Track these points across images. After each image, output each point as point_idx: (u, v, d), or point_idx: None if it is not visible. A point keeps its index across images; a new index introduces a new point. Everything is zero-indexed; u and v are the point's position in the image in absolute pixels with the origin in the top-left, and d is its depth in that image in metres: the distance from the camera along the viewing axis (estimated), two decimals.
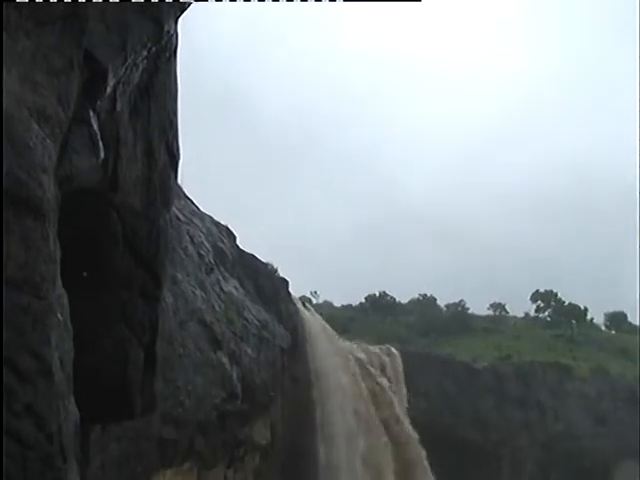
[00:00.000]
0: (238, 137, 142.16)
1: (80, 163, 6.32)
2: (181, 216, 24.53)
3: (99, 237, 8.29)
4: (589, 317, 73.67)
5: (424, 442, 32.82)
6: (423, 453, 32.55)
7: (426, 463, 32.54)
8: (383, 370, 33.89)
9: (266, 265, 30.81)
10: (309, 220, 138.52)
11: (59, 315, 5.00)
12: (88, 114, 6.74)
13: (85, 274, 8.13)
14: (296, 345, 30.10)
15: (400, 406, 33.29)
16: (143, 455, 22.22)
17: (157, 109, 9.49)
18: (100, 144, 6.75)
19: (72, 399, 5.26)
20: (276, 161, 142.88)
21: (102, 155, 6.87)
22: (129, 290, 9.11)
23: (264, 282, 29.59)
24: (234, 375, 25.17)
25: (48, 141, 5.20)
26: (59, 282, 5.15)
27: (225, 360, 25.08)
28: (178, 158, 10.82)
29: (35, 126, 5.30)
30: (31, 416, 4.02)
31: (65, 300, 5.46)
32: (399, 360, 35.65)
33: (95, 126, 6.66)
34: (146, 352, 10.03)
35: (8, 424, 3.81)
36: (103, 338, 8.67)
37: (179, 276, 23.19)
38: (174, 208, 22.79)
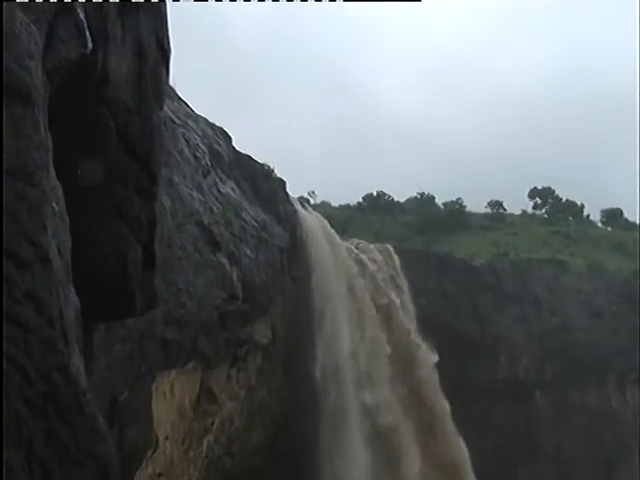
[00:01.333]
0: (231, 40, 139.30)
1: (67, 53, 6.17)
2: (175, 119, 24.24)
3: (91, 133, 8.19)
4: (586, 214, 74.21)
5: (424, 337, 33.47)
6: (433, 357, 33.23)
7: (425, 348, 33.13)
8: (382, 267, 34.16)
9: (263, 166, 30.61)
10: (298, 126, 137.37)
11: (54, 205, 4.96)
12: (73, 3, 6.55)
13: (79, 172, 8.05)
14: (295, 245, 30.24)
15: (400, 302, 33.70)
16: (147, 356, 22.59)
17: (146, 3, 9.27)
18: (87, 34, 6.58)
19: (72, 289, 5.28)
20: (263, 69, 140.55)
21: (90, 45, 6.70)
22: (124, 186, 9.07)
23: (261, 183, 29.50)
24: (234, 276, 25.38)
25: (33, 27, 5.05)
26: (53, 172, 5.10)
27: (225, 261, 25.24)
28: (169, 53, 10.63)
29: (19, 14, 5.14)
30: (31, 301, 4.03)
31: (60, 192, 5.42)
32: (397, 258, 35.91)
33: (81, 15, 6.48)
34: (144, 250, 10.04)
35: (8, 310, 3.82)
36: (100, 235, 8.67)
37: (175, 179, 23.08)
38: (168, 110, 22.53)
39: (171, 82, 21.73)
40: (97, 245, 8.92)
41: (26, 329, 3.90)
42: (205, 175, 25.31)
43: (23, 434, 3.68)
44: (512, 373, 44.58)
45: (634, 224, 66.54)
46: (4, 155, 4.23)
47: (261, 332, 27.72)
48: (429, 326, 34.35)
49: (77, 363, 4.33)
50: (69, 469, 3.93)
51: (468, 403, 35.27)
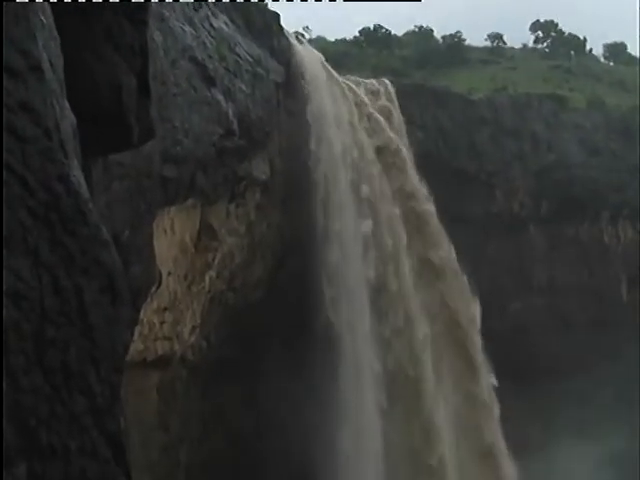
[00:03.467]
0: None
1: None
2: None
3: None
4: (588, 48, 72.42)
5: (421, 173, 33.53)
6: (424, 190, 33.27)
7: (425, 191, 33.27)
8: (378, 103, 33.76)
9: None
10: None
11: (42, 18, 4.79)
12: None
13: None
14: (291, 80, 29.73)
15: (397, 136, 33.51)
16: (146, 193, 22.77)
17: None
18: None
19: (66, 104, 5.21)
20: None
21: None
22: (114, 12, 8.76)
23: (255, 17, 28.59)
24: (230, 112, 25.13)
25: None
26: None
27: (220, 97, 24.92)
28: None
29: None
30: (26, 112, 3.97)
31: (47, 9, 5.23)
32: (394, 93, 35.38)
33: None
34: (138, 79, 9.81)
35: (4, 119, 3.77)
36: (92, 62, 8.45)
37: (166, 13, 22.37)
38: None
39: None
40: (90, 74, 8.73)
41: (23, 140, 3.86)
42: (197, 9, 24.52)
43: (29, 242, 3.72)
44: (508, 208, 45.02)
45: (637, 59, 65.11)
46: None
47: (259, 168, 27.77)
48: (426, 161, 34.37)
49: (77, 175, 4.32)
50: (76, 276, 4.01)
51: (463, 237, 35.77)
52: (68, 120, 4.98)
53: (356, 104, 32.04)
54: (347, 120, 30.99)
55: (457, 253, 33.17)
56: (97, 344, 4.11)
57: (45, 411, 3.86)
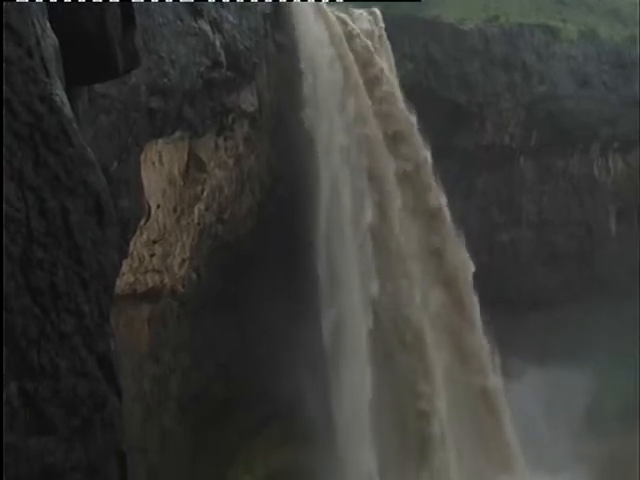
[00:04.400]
0: None
1: None
2: None
3: None
4: None
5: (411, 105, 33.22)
6: (413, 118, 32.87)
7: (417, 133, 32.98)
8: (367, 33, 33.21)
9: None
10: None
11: None
12: None
13: None
14: (279, 10, 29.23)
15: (387, 68, 33.08)
16: (133, 126, 22.59)
17: None
18: None
19: (48, 25, 5.12)
20: None
21: None
22: None
23: None
24: (217, 43, 24.79)
25: None
26: None
27: (207, 28, 24.56)
28: None
29: None
30: (8, 31, 3.89)
31: None
32: (382, 21, 34.79)
33: None
34: (122, 6, 9.63)
35: None
36: None
37: None
38: None
39: None
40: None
41: (7, 62, 3.80)
42: None
43: (14, 165, 3.70)
44: (498, 139, 44.79)
45: None
46: None
47: (247, 100, 27.49)
48: (416, 92, 34.06)
49: (60, 94, 4.26)
50: (62, 197, 4.00)
51: (453, 169, 35.78)
52: (50, 40, 4.90)
53: (345, 34, 31.53)
54: (336, 52, 30.56)
55: (446, 185, 33.11)
56: (85, 265, 4.12)
57: (35, 332, 3.90)
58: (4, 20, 3.88)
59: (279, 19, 29.29)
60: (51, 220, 3.95)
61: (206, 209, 27.51)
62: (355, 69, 31.06)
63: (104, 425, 4.82)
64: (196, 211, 27.17)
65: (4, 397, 3.62)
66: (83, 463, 4.49)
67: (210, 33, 24.68)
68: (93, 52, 9.09)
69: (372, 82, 31.78)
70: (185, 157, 26.24)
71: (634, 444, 36.32)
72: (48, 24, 5.04)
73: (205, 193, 27.26)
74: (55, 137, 3.93)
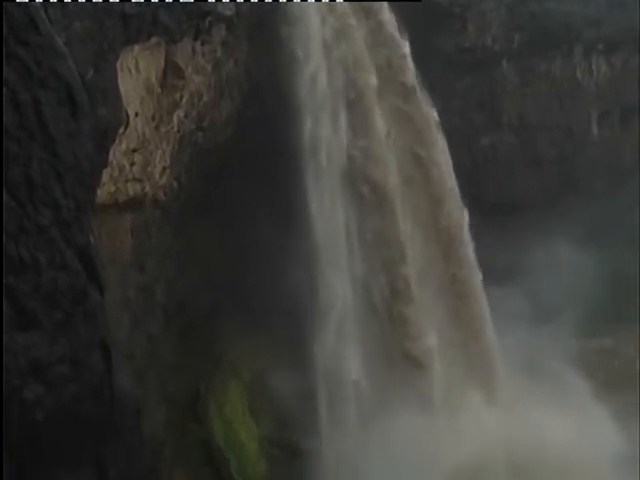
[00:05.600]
0: None
1: None
2: None
3: None
4: None
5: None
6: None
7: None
8: None
9: None
10: None
11: None
12: None
13: None
14: None
15: None
16: (107, 32, 22.07)
17: None
18: None
19: None
20: None
21: None
22: None
23: None
24: None
25: None
26: None
27: None
28: None
29: None
30: None
31: None
32: None
33: None
34: None
35: None
36: None
37: None
38: None
39: None
40: None
41: None
42: None
43: None
44: (480, 42, 44.12)
45: None
46: None
47: (224, 3, 26.78)
48: None
49: None
50: (34, 89, 3.95)
51: (434, 72, 35.32)
52: None
53: None
54: None
55: (428, 89, 32.75)
56: (60, 158, 4.10)
57: (13, 226, 3.91)
58: None
59: None
60: (24, 113, 3.92)
61: (185, 116, 27.14)
62: None
63: (86, 318, 4.90)
64: (175, 118, 26.81)
65: None
66: (67, 356, 4.59)
67: None
68: None
69: None
70: (162, 63, 25.69)
71: (613, 342, 37.46)
72: None
73: (184, 100, 26.84)
74: (22, 25, 3.85)
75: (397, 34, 31.81)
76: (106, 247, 23.98)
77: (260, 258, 28.59)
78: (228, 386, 29.36)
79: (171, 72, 26.04)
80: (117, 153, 24.80)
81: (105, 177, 23.64)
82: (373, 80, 30.55)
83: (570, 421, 30.30)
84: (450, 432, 29.21)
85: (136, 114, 25.48)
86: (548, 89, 47.59)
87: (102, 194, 23.68)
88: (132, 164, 25.96)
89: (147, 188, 26.76)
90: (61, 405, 4.90)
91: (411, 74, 32.06)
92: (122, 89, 23.26)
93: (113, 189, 25.51)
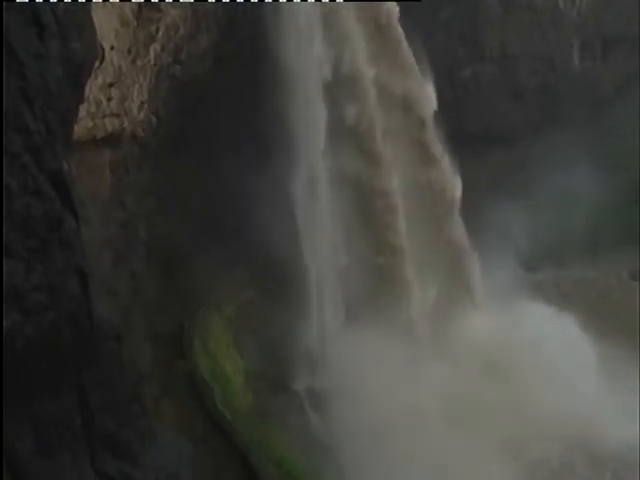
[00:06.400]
0: None
1: None
2: None
3: None
4: None
5: None
6: None
7: None
8: None
9: None
10: None
11: None
12: None
13: None
14: None
15: None
16: None
17: None
18: None
19: None
20: None
21: None
22: None
23: None
24: None
25: None
26: None
27: None
28: None
29: None
30: None
31: None
32: None
33: None
34: None
35: None
36: None
37: None
38: None
39: None
40: None
41: None
42: None
43: None
44: None
45: None
46: None
47: None
48: None
49: None
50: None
51: (414, 3, 34.66)
52: None
53: None
54: None
55: (408, 20, 32.24)
56: (28, 81, 4.01)
57: None
58: None
59: None
60: None
61: (162, 49, 26.66)
62: None
63: (62, 245, 4.86)
64: (152, 52, 26.34)
65: None
66: (44, 283, 4.57)
67: None
68: None
69: None
70: None
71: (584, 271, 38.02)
72: None
73: (160, 33, 26.34)
74: None
75: None
76: (85, 185, 23.75)
77: (241, 194, 28.43)
78: (211, 321, 29.51)
79: (146, 4, 25.51)
80: (93, 88, 24.40)
81: (82, 112, 23.25)
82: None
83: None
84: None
85: (112, 47, 25.02)
86: (530, 19, 46.98)
87: (80, 130, 23.32)
88: (109, 99, 25.57)
89: (125, 123, 26.41)
90: (40, 332, 4.90)
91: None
92: (96, 22, 22.72)
93: (91, 125, 25.17)
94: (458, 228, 34.51)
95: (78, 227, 4.72)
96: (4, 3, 3.56)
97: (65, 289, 4.65)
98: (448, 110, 34.33)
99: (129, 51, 25.62)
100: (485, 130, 43.35)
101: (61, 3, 20.62)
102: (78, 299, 5.38)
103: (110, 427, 7.40)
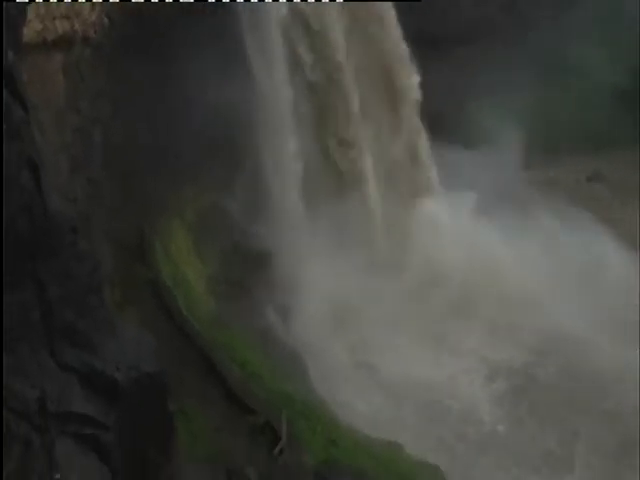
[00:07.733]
0: None
1: None
2: None
3: None
4: None
5: None
6: None
7: None
8: None
9: None
10: None
11: None
12: None
13: None
14: None
15: None
16: None
17: None
18: None
19: None
20: None
21: None
22: None
23: None
24: None
25: None
26: None
27: None
28: None
29: None
30: None
31: None
32: None
33: None
34: None
35: None
36: None
37: None
38: None
39: None
40: None
41: None
42: None
43: None
44: None
45: None
46: None
47: None
48: None
49: None
50: None
51: None
52: None
53: None
54: None
55: None
56: None
57: None
58: None
59: None
60: None
61: None
62: None
63: (11, 137, 4.71)
64: None
65: None
66: None
67: None
68: None
69: None
70: None
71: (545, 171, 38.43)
72: None
73: None
74: None
75: None
76: (38, 90, 23.06)
77: (201, 98, 27.86)
78: (172, 227, 29.36)
79: None
80: None
81: (30, 14, 22.43)
82: None
83: None
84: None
85: None
86: None
87: (29, 32, 22.56)
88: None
89: (76, 25, 25.57)
90: None
91: None
92: None
93: (40, 27, 24.35)
94: (413, 119, 34.56)
95: (28, 118, 4.57)
96: (4, 3, 3.37)
97: (17, 181, 4.53)
98: (410, 10, 33.82)
99: None
100: (447, 30, 42.60)
101: None
102: (31, 191, 5.28)
103: (69, 318, 7.40)
